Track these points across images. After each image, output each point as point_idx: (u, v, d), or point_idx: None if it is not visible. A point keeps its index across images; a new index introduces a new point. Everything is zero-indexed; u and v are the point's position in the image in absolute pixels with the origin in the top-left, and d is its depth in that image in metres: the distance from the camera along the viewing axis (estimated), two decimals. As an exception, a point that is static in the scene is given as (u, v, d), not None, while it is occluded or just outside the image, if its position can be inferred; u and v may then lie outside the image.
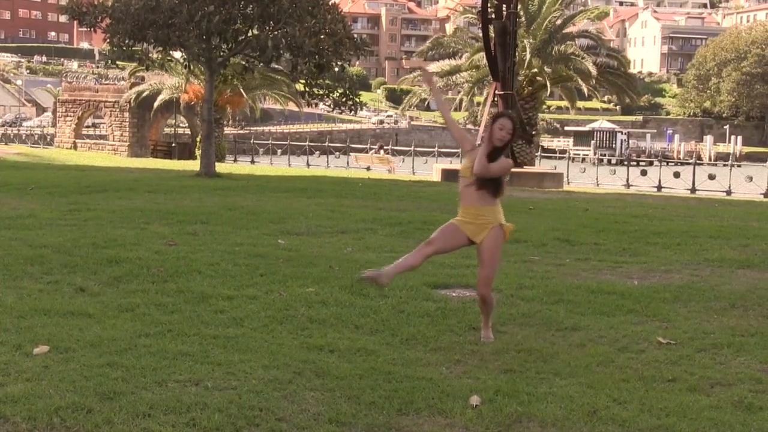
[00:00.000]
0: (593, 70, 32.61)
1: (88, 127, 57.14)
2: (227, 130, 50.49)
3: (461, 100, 37.21)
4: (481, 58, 30.05)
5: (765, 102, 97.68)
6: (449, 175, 24.34)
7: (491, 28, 25.19)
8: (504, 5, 25.30)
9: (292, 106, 49.14)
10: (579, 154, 66.45)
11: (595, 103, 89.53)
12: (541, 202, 15.78)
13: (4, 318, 5.52)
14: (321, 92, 21.94)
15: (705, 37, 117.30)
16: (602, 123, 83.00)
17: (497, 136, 5.38)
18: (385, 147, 44.72)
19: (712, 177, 28.42)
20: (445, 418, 4.05)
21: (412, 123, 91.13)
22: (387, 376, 4.58)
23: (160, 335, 5.24)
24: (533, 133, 33.68)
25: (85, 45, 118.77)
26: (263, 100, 49.78)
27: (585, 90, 34.25)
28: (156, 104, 40.72)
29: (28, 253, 7.79)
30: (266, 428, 3.85)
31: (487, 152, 5.37)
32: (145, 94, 41.70)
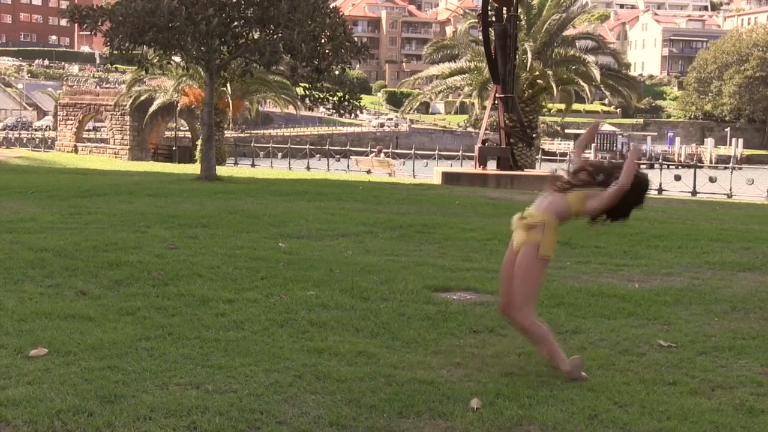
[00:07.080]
0: (597, 74, 32.52)
1: (89, 130, 57.17)
2: (228, 134, 50.49)
3: (462, 103, 37.17)
4: (482, 61, 30.06)
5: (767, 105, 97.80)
6: (450, 179, 24.38)
7: (492, 31, 25.24)
8: (504, 8, 25.35)
9: (292, 110, 49.18)
10: (580, 157, 66.37)
11: (595, 106, 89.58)
12: (542, 205, 15.75)
13: (5, 321, 5.52)
14: (321, 95, 21.93)
15: (706, 39, 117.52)
16: (603, 126, 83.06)
17: None
18: (385, 150, 44.75)
19: (713, 180, 28.43)
20: (445, 421, 4.05)
21: (413, 126, 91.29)
22: (387, 379, 4.58)
23: (161, 338, 5.24)
24: (534, 136, 33.68)
25: (86, 49, 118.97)
26: (264, 103, 49.83)
27: (587, 92, 34.18)
28: (153, 108, 40.62)
29: (29, 256, 7.79)
30: (267, 431, 3.85)
31: None
32: (143, 98, 41.65)
